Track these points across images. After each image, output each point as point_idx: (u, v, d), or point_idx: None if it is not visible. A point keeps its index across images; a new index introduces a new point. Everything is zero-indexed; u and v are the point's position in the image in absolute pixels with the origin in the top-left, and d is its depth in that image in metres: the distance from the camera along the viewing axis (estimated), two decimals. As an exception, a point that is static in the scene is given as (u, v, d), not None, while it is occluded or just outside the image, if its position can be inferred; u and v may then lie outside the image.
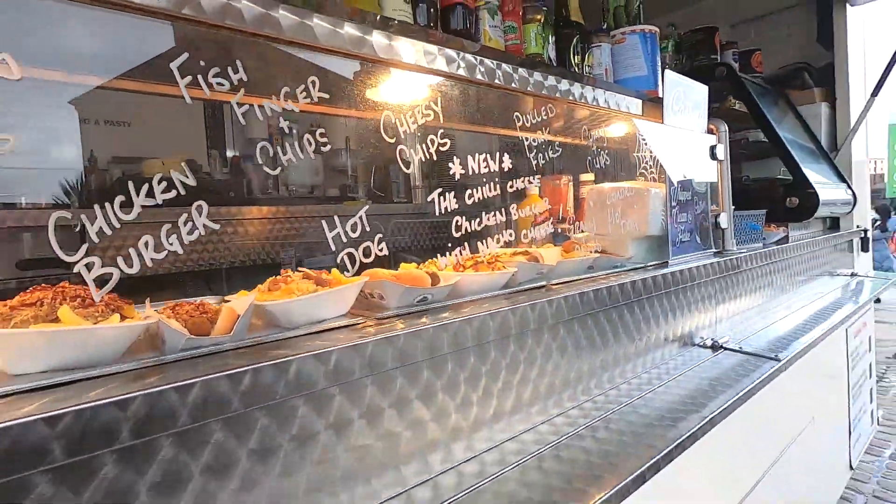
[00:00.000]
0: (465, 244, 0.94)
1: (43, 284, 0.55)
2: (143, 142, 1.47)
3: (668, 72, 1.25)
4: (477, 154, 0.92)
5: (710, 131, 1.48)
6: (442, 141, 0.84)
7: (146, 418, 0.44)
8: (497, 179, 0.98)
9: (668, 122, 1.24)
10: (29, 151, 0.94)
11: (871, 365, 2.91)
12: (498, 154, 0.96)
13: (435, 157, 0.85)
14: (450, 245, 0.92)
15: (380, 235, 0.78)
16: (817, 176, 2.27)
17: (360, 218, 0.76)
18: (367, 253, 0.78)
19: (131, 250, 0.55)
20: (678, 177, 1.27)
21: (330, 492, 0.59)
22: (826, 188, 2.26)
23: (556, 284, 0.99)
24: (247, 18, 0.68)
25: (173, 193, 0.57)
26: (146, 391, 0.44)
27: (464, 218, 0.91)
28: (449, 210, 0.89)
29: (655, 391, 1.03)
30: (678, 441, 0.82)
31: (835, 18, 2.64)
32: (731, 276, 1.39)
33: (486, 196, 0.95)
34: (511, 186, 1.02)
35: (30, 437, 0.39)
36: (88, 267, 0.52)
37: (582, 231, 1.29)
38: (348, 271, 0.76)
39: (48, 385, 0.46)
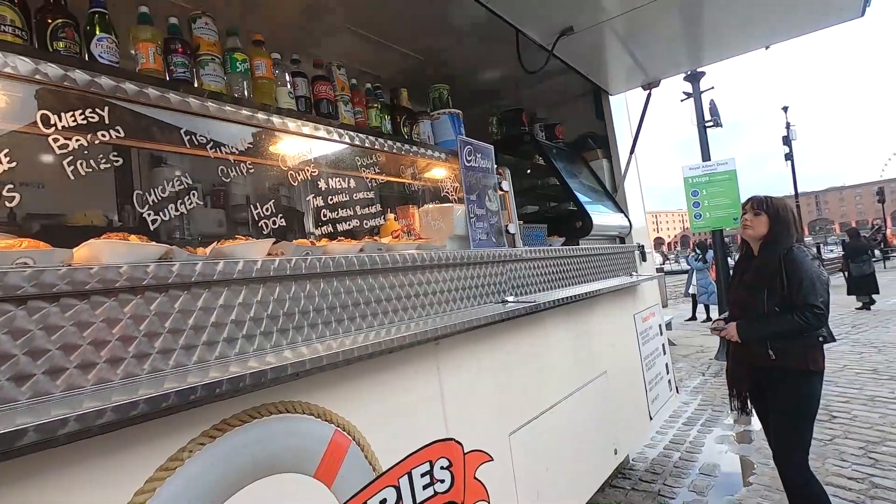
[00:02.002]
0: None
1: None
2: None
3: (460, 136, 2.07)
4: (333, 182, 1.60)
5: (499, 173, 2.33)
6: (311, 172, 1.51)
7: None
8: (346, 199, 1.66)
9: (462, 167, 2.04)
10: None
11: (663, 345, 3.95)
12: (350, 182, 1.66)
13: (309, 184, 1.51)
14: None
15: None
16: (597, 207, 3.29)
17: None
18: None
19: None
20: (473, 198, 2.06)
21: (260, 338, 1.18)
22: (603, 215, 3.28)
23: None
24: (193, 107, 1.29)
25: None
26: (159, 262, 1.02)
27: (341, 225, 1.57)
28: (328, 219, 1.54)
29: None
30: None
31: (603, 104, 3.85)
32: (516, 262, 2.18)
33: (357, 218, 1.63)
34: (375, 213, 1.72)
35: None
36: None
37: (420, 236, 2.02)
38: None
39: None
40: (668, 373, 3.94)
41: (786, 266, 2.18)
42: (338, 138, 1.59)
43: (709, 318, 9.96)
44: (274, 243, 1.30)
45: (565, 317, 2.54)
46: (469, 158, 2.09)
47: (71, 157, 0.95)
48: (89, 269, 0.90)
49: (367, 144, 1.68)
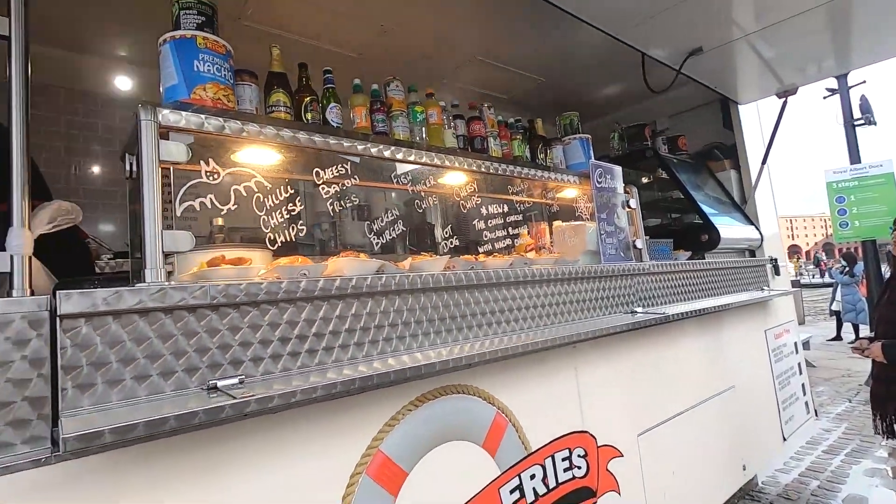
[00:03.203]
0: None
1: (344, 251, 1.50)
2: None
3: (591, 160, 2.28)
4: (492, 207, 1.92)
5: (627, 192, 2.49)
6: (476, 200, 1.83)
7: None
8: (501, 222, 1.97)
9: (594, 187, 2.25)
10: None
11: (799, 364, 3.73)
12: (504, 207, 1.96)
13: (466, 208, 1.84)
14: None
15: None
16: (724, 219, 3.27)
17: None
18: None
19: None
20: (604, 216, 2.26)
21: (443, 333, 1.51)
22: (730, 228, 3.24)
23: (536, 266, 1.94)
24: (386, 154, 1.68)
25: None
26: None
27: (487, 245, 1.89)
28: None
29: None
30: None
31: (731, 113, 3.77)
32: (644, 275, 2.33)
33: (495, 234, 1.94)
34: (512, 227, 2.01)
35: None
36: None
37: (553, 251, 2.27)
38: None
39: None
40: (804, 394, 3.72)
41: (946, 285, 2.07)
42: (492, 170, 1.90)
43: (857, 339, 8.81)
44: (449, 259, 1.64)
45: (693, 329, 2.61)
46: (600, 180, 2.29)
47: (330, 199, 1.37)
48: (334, 279, 1.29)
49: (513, 173, 1.98)
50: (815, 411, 3.89)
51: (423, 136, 1.83)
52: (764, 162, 3.64)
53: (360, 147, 1.45)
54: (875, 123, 6.77)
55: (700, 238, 3.07)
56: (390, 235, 1.53)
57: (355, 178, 1.43)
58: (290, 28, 2.48)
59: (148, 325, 0.99)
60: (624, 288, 2.21)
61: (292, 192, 1.30)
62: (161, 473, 0.99)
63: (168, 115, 1.14)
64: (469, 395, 1.52)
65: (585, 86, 3.56)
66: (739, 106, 3.74)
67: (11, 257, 1.05)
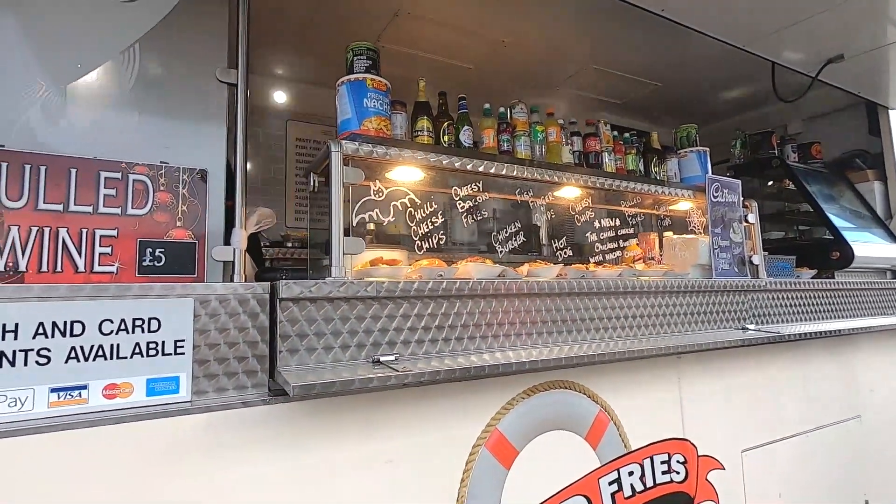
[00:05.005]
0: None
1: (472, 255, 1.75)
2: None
3: (708, 175, 2.29)
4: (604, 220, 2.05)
5: (745, 206, 2.46)
6: (590, 213, 1.98)
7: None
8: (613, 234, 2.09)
9: (709, 201, 2.27)
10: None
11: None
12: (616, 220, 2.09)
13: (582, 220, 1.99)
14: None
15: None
16: (862, 235, 3.02)
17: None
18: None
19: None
20: (718, 231, 2.27)
21: (554, 334, 1.70)
22: (868, 245, 2.99)
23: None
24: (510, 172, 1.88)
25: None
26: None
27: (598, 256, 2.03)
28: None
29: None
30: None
31: (880, 118, 3.42)
32: (759, 292, 2.30)
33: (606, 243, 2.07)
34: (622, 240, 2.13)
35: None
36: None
37: (661, 263, 2.33)
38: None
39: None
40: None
41: None
42: (603, 185, 2.03)
43: None
44: (562, 267, 1.81)
45: (815, 352, 2.50)
46: (716, 194, 2.30)
47: (465, 212, 1.62)
48: (467, 281, 1.53)
49: (626, 188, 2.09)
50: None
51: (543, 153, 2.01)
52: (917, 174, 3.27)
53: (488, 168, 1.68)
54: None
55: (830, 255, 2.88)
56: (512, 244, 1.74)
57: (486, 195, 1.66)
58: (419, 45, 2.79)
59: (333, 310, 1.31)
60: (736, 304, 2.20)
61: (435, 206, 1.57)
62: (332, 422, 1.31)
63: (347, 146, 1.46)
64: (575, 392, 1.70)
65: (705, 91, 3.48)
66: (890, 111, 3.38)
67: (234, 250, 1.44)
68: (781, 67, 2.78)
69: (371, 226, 1.83)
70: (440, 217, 1.57)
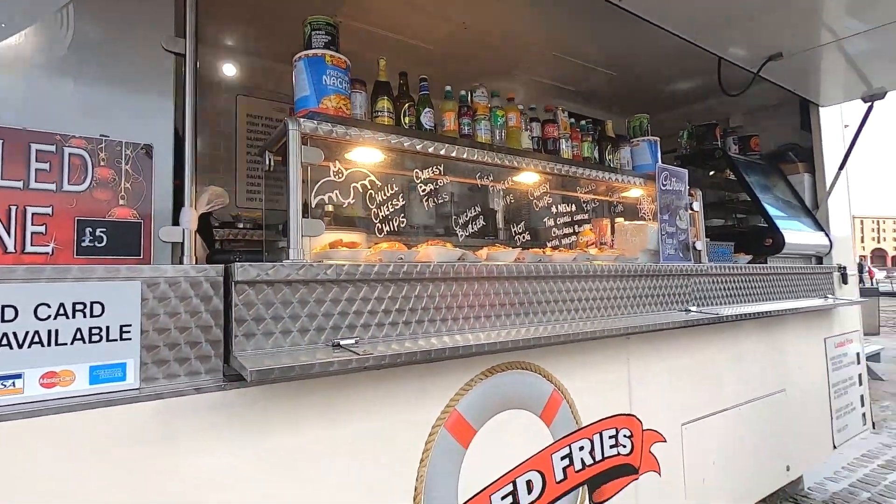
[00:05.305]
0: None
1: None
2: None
3: (658, 164, 2.39)
4: (561, 206, 2.10)
5: (691, 195, 2.58)
6: (547, 199, 2.02)
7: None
8: (569, 220, 2.14)
9: (658, 189, 2.37)
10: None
11: (860, 376, 3.67)
12: (572, 206, 2.14)
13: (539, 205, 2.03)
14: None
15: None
16: (792, 224, 3.25)
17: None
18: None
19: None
20: (666, 217, 2.37)
21: (511, 316, 1.74)
22: (797, 233, 3.23)
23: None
24: (470, 156, 1.89)
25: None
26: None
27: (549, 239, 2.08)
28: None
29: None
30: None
31: (811, 114, 3.67)
32: (701, 276, 2.44)
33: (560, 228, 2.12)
34: (577, 225, 2.19)
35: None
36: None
37: (613, 248, 2.42)
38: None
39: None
40: (862, 406, 3.67)
41: None
42: (560, 171, 2.08)
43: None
44: (520, 251, 1.85)
45: (747, 331, 2.69)
46: (665, 182, 2.41)
47: (425, 196, 1.62)
48: (427, 264, 1.53)
49: (581, 174, 2.14)
50: (873, 424, 3.83)
51: (503, 137, 2.03)
52: (842, 167, 3.55)
53: (450, 151, 1.68)
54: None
55: (763, 242, 3.09)
56: (472, 228, 1.76)
57: (446, 178, 1.66)
58: (378, 23, 2.73)
59: (291, 293, 1.28)
60: (680, 287, 2.33)
61: (395, 189, 1.55)
62: (291, 407, 1.29)
63: (306, 125, 1.41)
64: (531, 372, 1.75)
65: (658, 81, 3.60)
66: (820, 108, 3.63)
67: (183, 231, 1.37)
68: (727, 62, 2.91)
69: (330, 207, 1.79)
70: (400, 200, 1.55)
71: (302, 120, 1.41)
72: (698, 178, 3.48)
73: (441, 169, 1.67)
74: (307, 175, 1.40)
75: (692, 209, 2.55)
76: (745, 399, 2.63)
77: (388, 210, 1.54)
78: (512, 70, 3.30)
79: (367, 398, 1.40)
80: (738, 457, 2.55)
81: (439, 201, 1.69)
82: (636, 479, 2.03)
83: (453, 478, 1.51)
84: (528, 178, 2.03)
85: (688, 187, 2.56)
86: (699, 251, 2.53)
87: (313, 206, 1.41)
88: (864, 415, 3.67)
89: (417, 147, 1.60)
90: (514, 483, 1.65)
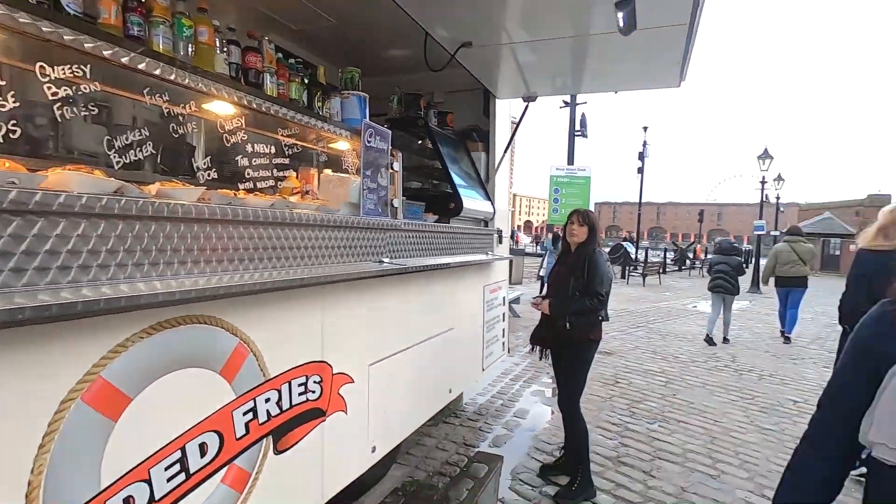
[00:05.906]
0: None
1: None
2: None
3: (364, 120, 2.45)
4: (258, 146, 1.91)
5: (393, 155, 2.76)
6: (242, 135, 1.81)
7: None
8: (267, 162, 1.98)
9: (363, 145, 2.44)
10: None
11: (504, 314, 4.81)
12: (272, 148, 1.97)
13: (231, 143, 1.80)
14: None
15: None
16: (470, 192, 3.90)
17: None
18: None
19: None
20: (368, 173, 2.48)
21: (189, 265, 1.51)
22: (473, 200, 3.90)
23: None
24: (140, 66, 1.52)
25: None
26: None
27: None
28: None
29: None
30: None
31: (490, 103, 4.44)
32: (395, 231, 2.67)
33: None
34: (277, 169, 2.04)
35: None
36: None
37: (317, 197, 2.39)
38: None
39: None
40: (503, 336, 4.82)
41: (588, 264, 3.00)
42: (261, 108, 1.89)
43: (536, 297, 11.59)
44: (205, 190, 1.61)
45: (427, 280, 3.11)
46: (370, 139, 2.49)
47: (60, 102, 1.18)
48: (57, 194, 1.16)
49: (287, 116, 2.00)
50: (509, 350, 5.10)
51: (190, 53, 1.69)
52: (506, 150, 4.44)
53: (106, 52, 1.28)
54: (586, 136, 8.82)
55: (448, 205, 3.62)
56: (136, 155, 1.40)
57: (96, 84, 1.26)
58: None
59: None
60: (377, 240, 2.50)
61: (3, 82, 1.09)
62: None
63: None
64: (211, 326, 1.57)
65: (376, 42, 3.69)
66: (497, 100, 4.43)
67: None
68: (432, 40, 3.20)
69: None
70: (11, 101, 1.10)
71: None
72: (404, 142, 3.79)
73: (87, 70, 1.26)
74: None
75: (393, 168, 2.73)
76: (423, 338, 3.06)
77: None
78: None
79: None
80: (415, 386, 2.97)
81: (85, 114, 1.28)
82: (323, 420, 2.12)
83: (93, 458, 1.23)
84: (221, 108, 1.77)
85: (391, 147, 2.73)
86: (396, 208, 2.76)
87: None
88: (503, 343, 4.83)
89: (44, 30, 1.16)
90: (184, 449, 1.48)
